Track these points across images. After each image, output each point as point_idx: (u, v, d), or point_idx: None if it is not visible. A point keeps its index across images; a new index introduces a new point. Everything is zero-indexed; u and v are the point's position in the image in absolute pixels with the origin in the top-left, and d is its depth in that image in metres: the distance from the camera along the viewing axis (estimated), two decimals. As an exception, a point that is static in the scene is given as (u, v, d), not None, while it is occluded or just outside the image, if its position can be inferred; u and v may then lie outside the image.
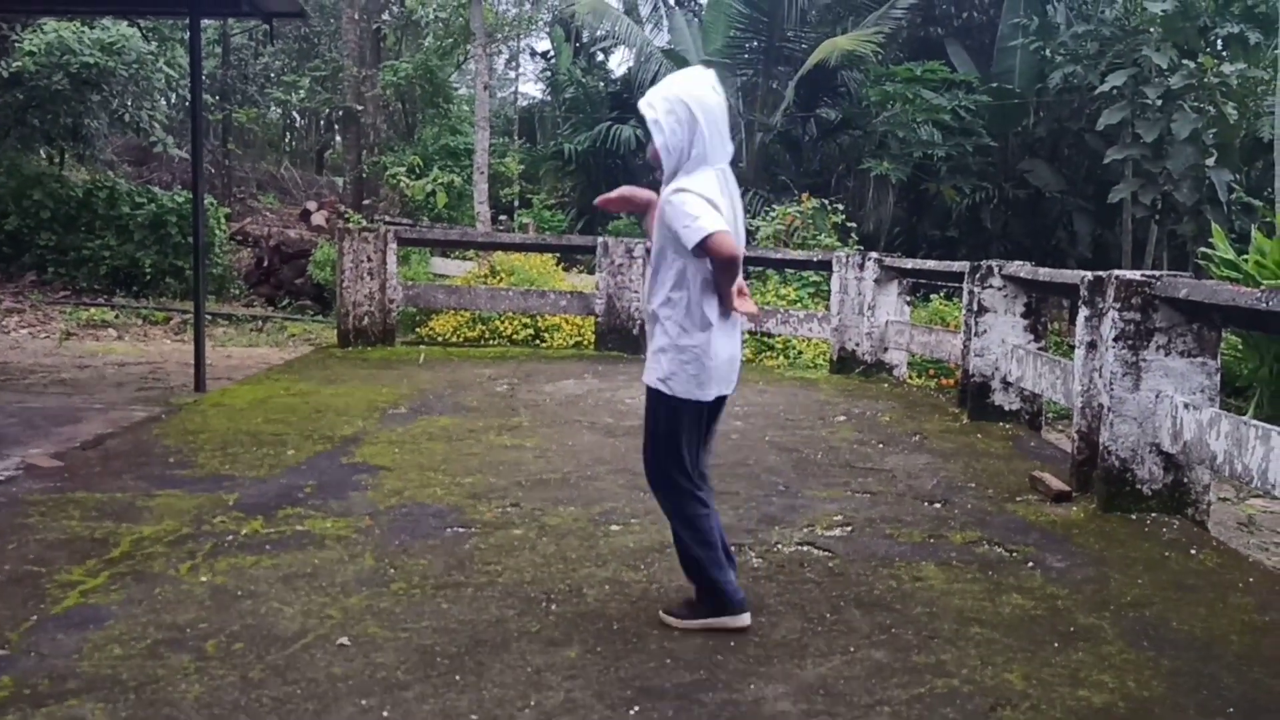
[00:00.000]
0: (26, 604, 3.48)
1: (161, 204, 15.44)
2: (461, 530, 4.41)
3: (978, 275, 7.14)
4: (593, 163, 22.89)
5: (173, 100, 18.11)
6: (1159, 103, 14.32)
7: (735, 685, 3.01)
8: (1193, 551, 4.37)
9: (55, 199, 15.25)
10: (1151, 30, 14.54)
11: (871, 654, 3.25)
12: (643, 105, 3.34)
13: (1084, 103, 16.98)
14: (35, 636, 3.22)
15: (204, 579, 3.76)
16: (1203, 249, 11.28)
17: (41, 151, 17.62)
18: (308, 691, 2.89)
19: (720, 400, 3.51)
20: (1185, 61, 14.10)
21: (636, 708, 2.86)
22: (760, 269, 12.83)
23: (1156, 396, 4.81)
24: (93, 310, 13.71)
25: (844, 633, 3.41)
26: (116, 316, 13.57)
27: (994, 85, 17.63)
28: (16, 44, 15.52)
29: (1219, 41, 15.53)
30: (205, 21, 11.65)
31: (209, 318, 9.91)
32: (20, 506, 4.61)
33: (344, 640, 3.24)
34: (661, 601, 3.61)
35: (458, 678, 3.01)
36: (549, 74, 26.81)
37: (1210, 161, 14.48)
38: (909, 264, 9.46)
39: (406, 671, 3.04)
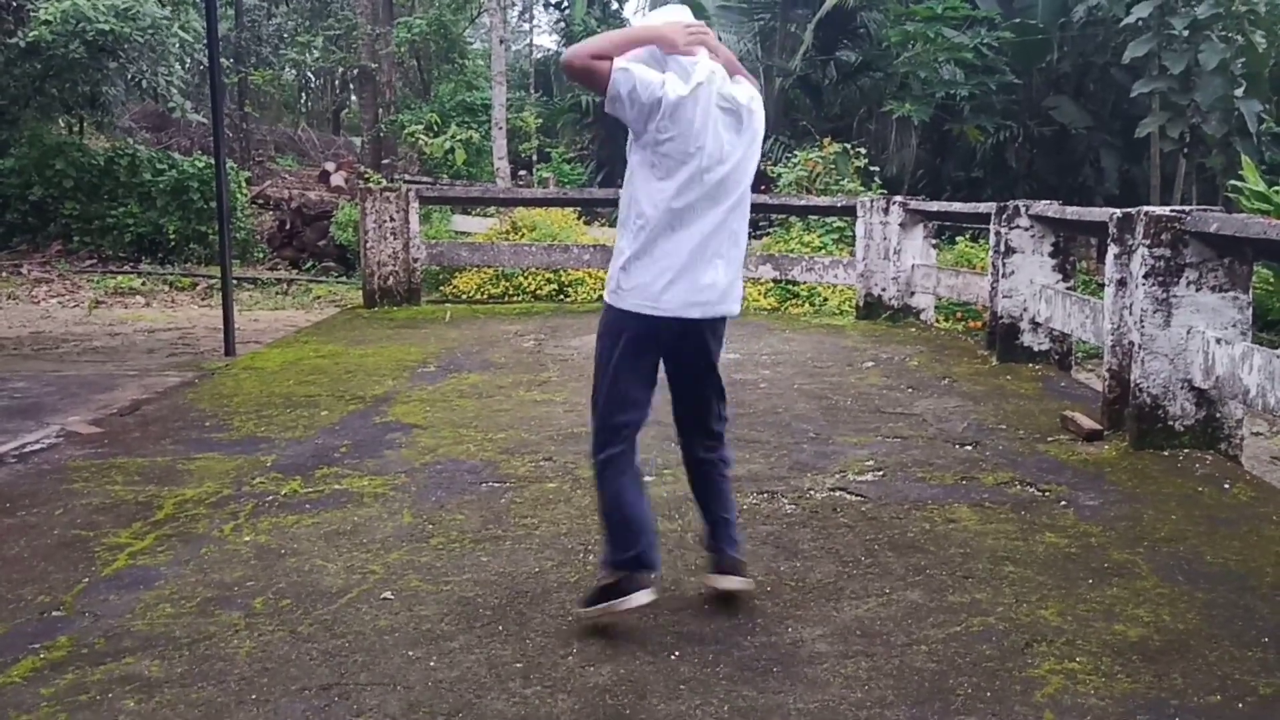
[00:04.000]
0: (78, 567, 3.57)
1: (182, 170, 15.50)
2: (496, 485, 4.46)
3: (1004, 216, 7.09)
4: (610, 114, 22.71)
5: (188, 65, 18.06)
6: (1186, 33, 14.04)
7: (773, 628, 3.06)
8: (1226, 486, 4.37)
9: (77, 168, 15.33)
10: (1177, -41, 14.24)
11: (907, 595, 3.28)
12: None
13: (1109, 36, 16.68)
14: (88, 598, 3.31)
15: (247, 539, 3.83)
16: (1233, 181, 11.15)
17: (61, 120, 17.67)
18: (355, 644, 2.96)
19: (697, 338, 3.07)
20: (1212, -11, 13.81)
21: (677, 652, 2.91)
22: (784, 216, 12.76)
23: (1188, 332, 4.78)
24: (120, 278, 13.83)
25: (879, 575, 3.45)
26: (143, 283, 13.68)
27: (1016, 21, 17.33)
28: (33, 13, 15.52)
29: (1247, -31, 15.18)
30: (219, -16, 11.58)
31: (235, 282, 9.98)
32: (64, 473, 4.71)
33: (387, 594, 3.31)
34: (696, 550, 3.65)
35: (500, 628, 3.07)
36: (563, 25, 26.54)
37: (1239, 92, 14.23)
38: (934, 207, 9.39)
39: (450, 623, 3.10)
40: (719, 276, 3.02)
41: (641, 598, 2.99)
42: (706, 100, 2.95)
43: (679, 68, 2.98)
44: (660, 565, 3.15)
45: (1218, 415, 4.87)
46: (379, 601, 3.26)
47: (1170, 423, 4.87)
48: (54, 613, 3.20)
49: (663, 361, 3.15)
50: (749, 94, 3.07)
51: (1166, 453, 4.81)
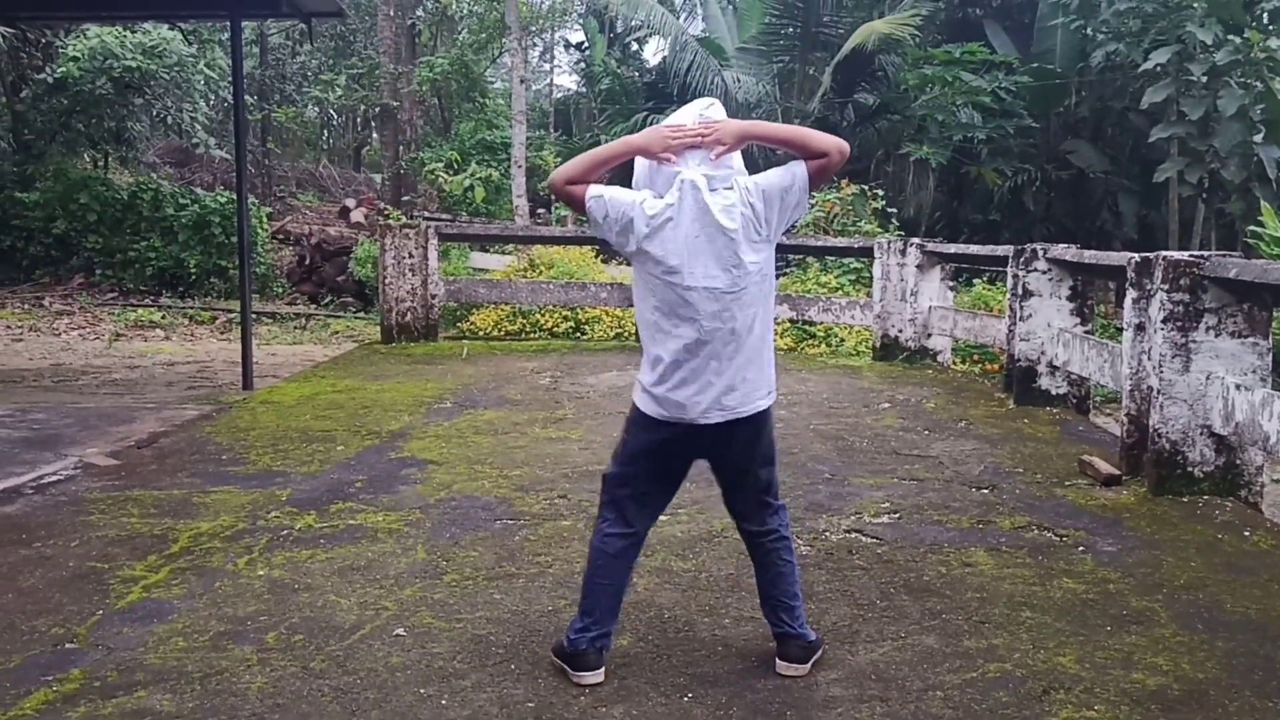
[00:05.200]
0: (92, 599, 3.57)
1: (205, 205, 15.67)
2: (511, 522, 4.45)
3: (1022, 259, 7.08)
4: (629, 154, 22.83)
5: (213, 101, 18.33)
6: (1204, 79, 14.06)
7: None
8: (1246, 533, 4.33)
9: (101, 202, 15.53)
10: (1195, 5, 14.27)
11: (923, 639, 3.25)
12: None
13: (1127, 81, 16.71)
14: (102, 630, 3.31)
15: (261, 573, 3.83)
16: (1252, 227, 11.11)
17: (86, 155, 17.92)
18: (367, 681, 2.95)
19: (723, 441, 2.98)
20: (1231, 37, 13.83)
21: (690, 694, 2.89)
22: (801, 256, 12.79)
23: (1207, 378, 4.76)
24: (140, 311, 13.95)
25: (894, 619, 3.42)
26: (163, 317, 13.80)
27: (1035, 65, 17.40)
28: (61, 50, 15.79)
29: (1265, 15, 15.23)
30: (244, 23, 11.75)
31: (254, 316, 10.04)
32: (81, 504, 4.72)
33: (400, 631, 3.30)
34: (711, 590, 3.63)
35: (513, 667, 3.05)
36: (584, 65, 26.80)
37: (1258, 138, 14.22)
38: (951, 249, 9.39)
39: (462, 661, 3.09)
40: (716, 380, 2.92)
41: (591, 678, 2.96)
42: (686, 212, 2.89)
43: (664, 180, 2.94)
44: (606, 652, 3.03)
45: (1238, 462, 4.83)
46: (391, 638, 3.25)
47: (1190, 469, 4.84)
48: (68, 645, 3.20)
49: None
50: (727, 201, 2.91)
51: (1186, 499, 4.77)
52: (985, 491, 4.99)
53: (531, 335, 11.35)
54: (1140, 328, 5.15)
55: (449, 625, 3.35)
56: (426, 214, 17.82)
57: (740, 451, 3.03)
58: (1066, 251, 6.91)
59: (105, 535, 4.26)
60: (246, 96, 12.86)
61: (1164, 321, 4.79)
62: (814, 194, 13.11)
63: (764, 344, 2.99)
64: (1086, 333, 6.85)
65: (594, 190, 2.96)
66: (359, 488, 5.00)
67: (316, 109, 28.82)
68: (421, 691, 2.89)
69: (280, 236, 17.55)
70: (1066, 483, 5.15)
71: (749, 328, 2.93)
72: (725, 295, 2.89)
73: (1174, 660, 3.10)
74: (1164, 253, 4.97)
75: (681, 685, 2.94)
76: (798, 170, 2.96)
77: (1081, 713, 2.78)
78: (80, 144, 17.01)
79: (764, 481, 3.11)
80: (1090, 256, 6.69)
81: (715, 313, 2.89)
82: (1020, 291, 7.09)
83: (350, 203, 20.47)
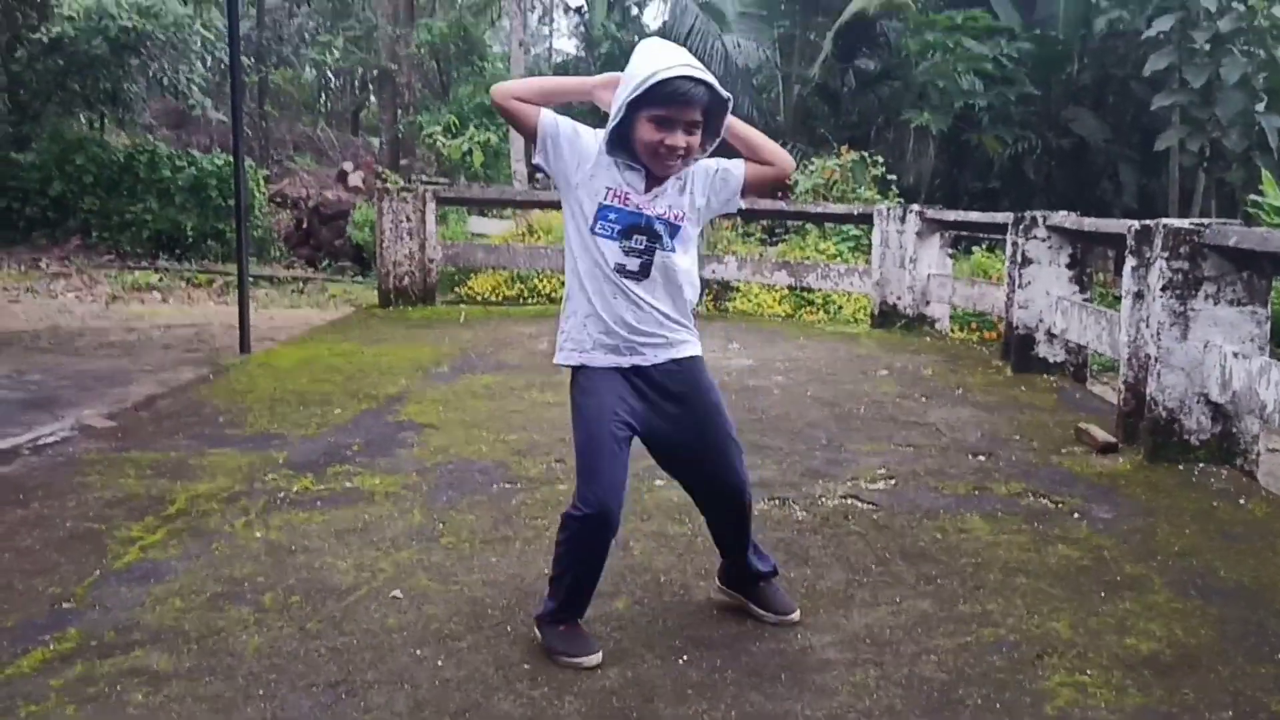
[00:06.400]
0: (89, 559, 3.58)
1: (201, 167, 15.60)
2: (507, 486, 4.46)
3: (1021, 226, 7.06)
4: (628, 118, 22.70)
5: (209, 63, 18.18)
6: (1207, 47, 13.98)
7: (782, 635, 3.04)
8: (1241, 501, 4.34)
9: (97, 163, 15.45)
10: (1199, -28, 14.18)
11: (917, 604, 3.27)
12: (722, 90, 2.79)
13: (1129, 49, 16.62)
14: (99, 590, 3.32)
15: (258, 534, 3.84)
16: (1252, 196, 11.08)
17: (82, 116, 17.81)
18: (363, 642, 2.96)
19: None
20: (1234, 4, 13.74)
21: (685, 657, 2.90)
22: (800, 223, 12.74)
23: (1205, 346, 4.75)
24: (137, 273, 13.91)
25: (889, 584, 3.43)
26: (160, 279, 13.76)
27: (1037, 32, 17.29)
28: (56, 8, 15.64)
29: (1269, -18, 15.11)
30: (241, -17, 11.64)
31: (251, 280, 10.01)
32: (78, 466, 4.73)
33: (396, 593, 3.31)
34: (706, 554, 3.64)
35: (509, 629, 3.06)
36: (583, 29, 26.60)
37: (1260, 107, 14.16)
38: (951, 216, 9.36)
39: (458, 623, 3.10)
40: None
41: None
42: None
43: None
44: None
45: (1234, 430, 4.84)
46: (388, 600, 3.26)
47: (1186, 437, 4.84)
48: (64, 604, 3.21)
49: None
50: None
51: (1182, 467, 4.78)
52: (982, 458, 5.00)
53: (529, 300, 11.34)
54: (1139, 296, 5.13)
55: (445, 588, 3.36)
56: (425, 178, 17.74)
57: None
58: (1066, 219, 6.89)
59: (102, 496, 4.27)
60: (243, 58, 12.73)
61: (1163, 289, 4.78)
62: (813, 160, 12.80)
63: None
64: (1085, 301, 6.84)
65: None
66: (356, 451, 5.00)
67: (314, 71, 28.62)
68: (417, 653, 2.90)
69: (278, 200, 17.48)
70: (1063, 450, 5.16)
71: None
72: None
73: (1167, 626, 3.12)
74: (1164, 220, 4.95)
75: (677, 648, 2.95)
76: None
77: (1074, 677, 2.80)
78: (76, 105, 16.90)
79: None
80: (1090, 224, 6.67)
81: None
82: (1019, 259, 7.07)
83: (348, 166, 20.37)
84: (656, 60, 2.74)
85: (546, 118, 2.87)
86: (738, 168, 2.97)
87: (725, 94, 2.77)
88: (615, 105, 2.79)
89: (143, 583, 3.38)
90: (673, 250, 2.87)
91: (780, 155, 3.00)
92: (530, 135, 2.93)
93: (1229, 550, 3.77)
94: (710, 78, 2.75)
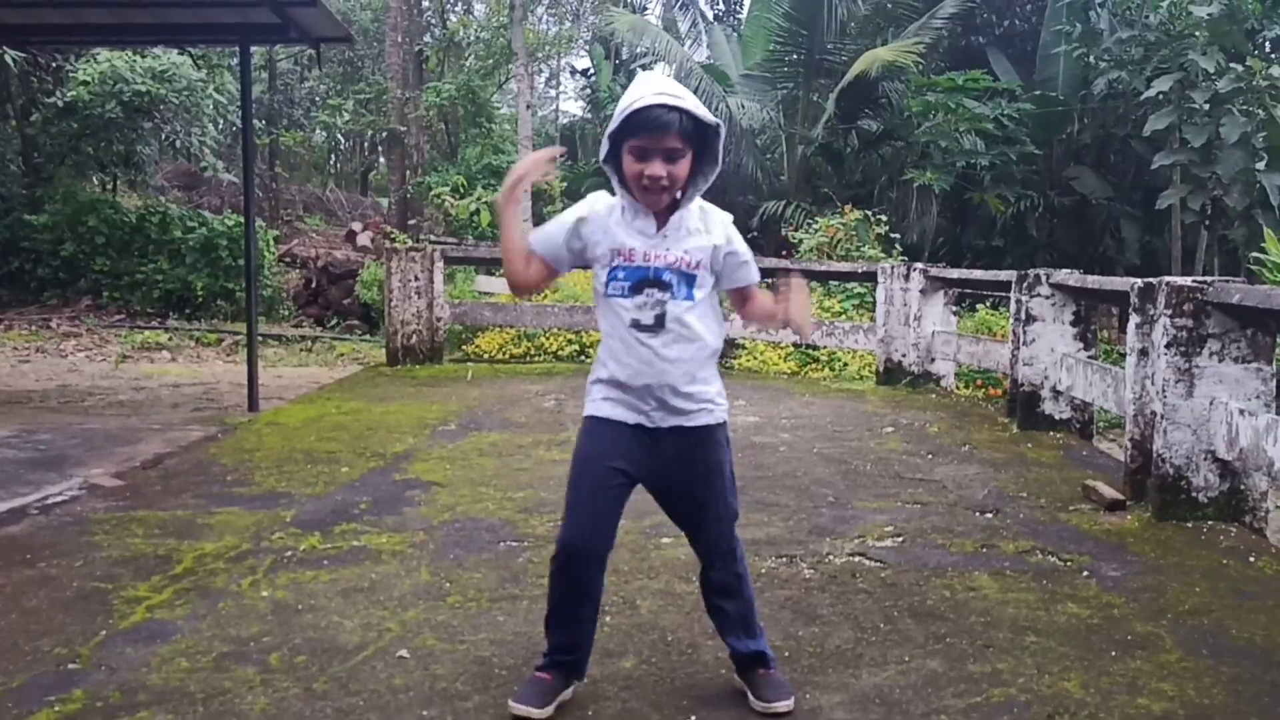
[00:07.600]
0: (95, 619, 3.57)
1: (212, 228, 15.77)
2: (515, 544, 4.46)
3: (1025, 284, 7.10)
4: (634, 179, 22.93)
5: (221, 126, 18.46)
6: (1206, 107, 14.14)
7: (791, 695, 3.02)
8: (1251, 559, 4.32)
9: (109, 224, 15.63)
10: (1197, 34, 14.37)
11: (927, 663, 3.25)
12: (707, 115, 2.78)
13: (1129, 108, 16.82)
14: (105, 651, 3.31)
15: (265, 594, 3.83)
16: (1254, 254, 11.12)
17: (95, 178, 18.06)
18: (370, 703, 2.95)
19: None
20: (1233, 65, 13.92)
21: (693, 717, 2.88)
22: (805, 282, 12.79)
23: (1211, 403, 4.76)
24: (147, 333, 14.00)
25: (898, 642, 3.41)
26: (170, 339, 13.85)
27: (1037, 93, 17.51)
28: (71, 74, 15.93)
29: (1266, 44, 15.34)
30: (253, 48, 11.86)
31: (260, 338, 10.07)
32: (85, 525, 4.73)
33: (403, 652, 3.29)
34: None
35: (516, 688, 3.04)
36: (589, 91, 27.01)
37: (1260, 165, 14.28)
38: (954, 274, 9.42)
39: (465, 683, 3.08)
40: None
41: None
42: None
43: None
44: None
45: (1242, 487, 4.83)
46: (395, 659, 3.25)
47: (1194, 494, 4.83)
48: (70, 665, 3.20)
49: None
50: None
51: (1190, 524, 4.76)
52: (989, 515, 4.99)
53: (536, 358, 11.38)
54: (1143, 353, 5.15)
55: (452, 646, 3.35)
56: (433, 238, 17.89)
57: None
58: (1070, 277, 6.93)
59: (109, 555, 4.27)
60: (255, 121, 12.94)
61: (1167, 346, 4.80)
62: (816, 219, 12.89)
63: None
64: (1090, 358, 6.86)
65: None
66: (363, 509, 5.00)
67: (324, 133, 29.00)
68: (424, 713, 2.89)
69: (287, 259, 17.64)
70: (1070, 507, 5.14)
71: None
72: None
73: (1179, 686, 3.09)
74: (1167, 278, 4.98)
75: (685, 708, 2.93)
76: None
77: (1086, 737, 2.77)
78: (89, 167, 17.14)
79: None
80: (1093, 282, 6.71)
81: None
82: (1023, 316, 7.10)
83: (357, 226, 20.57)
84: (635, 91, 2.76)
85: (547, 253, 2.92)
86: (748, 277, 3.00)
87: (713, 120, 2.77)
88: (604, 140, 2.84)
89: (149, 643, 3.37)
90: (688, 299, 2.85)
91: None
92: (565, 272, 3.03)
93: (1240, 608, 3.75)
94: (692, 104, 2.74)
